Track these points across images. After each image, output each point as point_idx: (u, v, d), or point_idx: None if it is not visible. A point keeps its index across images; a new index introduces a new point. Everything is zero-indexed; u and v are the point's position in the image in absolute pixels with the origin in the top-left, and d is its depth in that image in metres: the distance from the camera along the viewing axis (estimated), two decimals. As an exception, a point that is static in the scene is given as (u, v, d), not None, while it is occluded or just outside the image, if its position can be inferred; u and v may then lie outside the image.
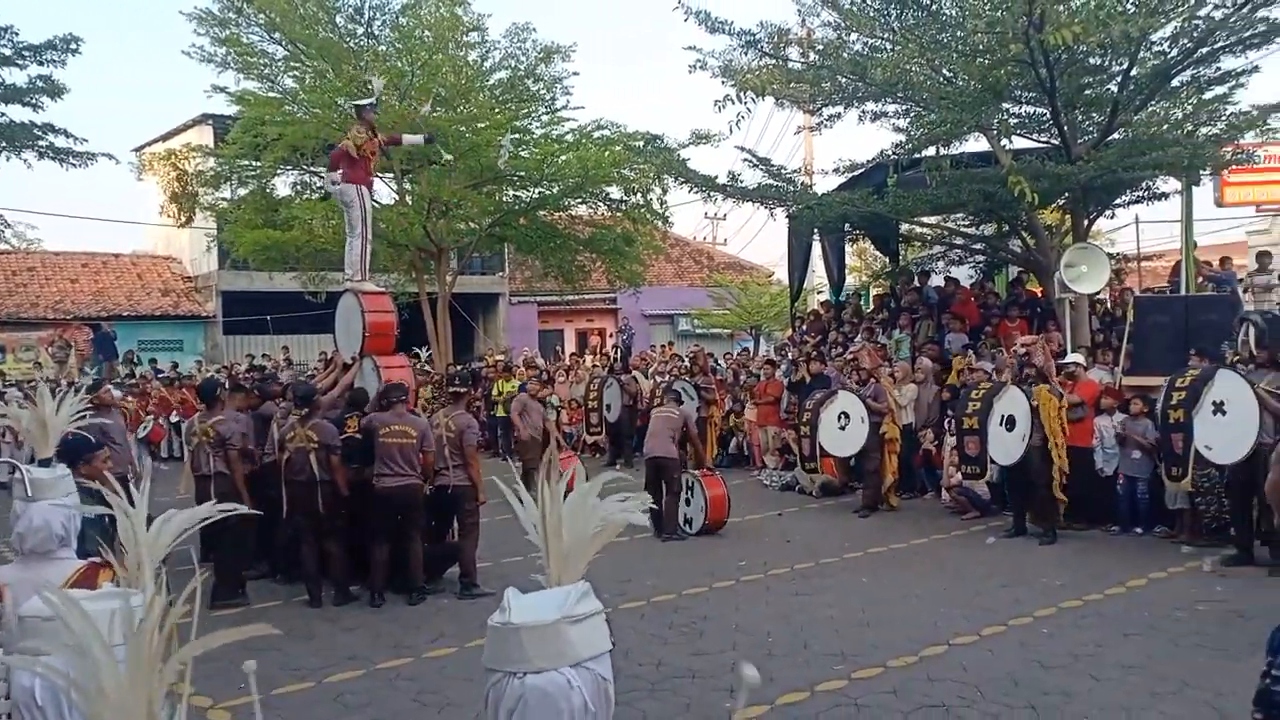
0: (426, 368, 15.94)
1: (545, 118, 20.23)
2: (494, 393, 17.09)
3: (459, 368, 16.56)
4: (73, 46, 18.78)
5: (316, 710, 5.69)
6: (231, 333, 26.22)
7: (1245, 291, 13.51)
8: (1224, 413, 8.20)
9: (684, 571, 8.71)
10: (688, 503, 10.48)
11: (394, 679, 6.15)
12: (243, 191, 21.18)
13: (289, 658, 6.57)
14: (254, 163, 19.83)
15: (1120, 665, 5.95)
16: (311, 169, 20.03)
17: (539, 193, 20.09)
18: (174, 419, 17.22)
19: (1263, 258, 14.47)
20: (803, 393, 13.12)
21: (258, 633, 1.42)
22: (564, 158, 19.12)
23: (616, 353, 19.08)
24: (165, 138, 25.70)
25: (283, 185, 21.49)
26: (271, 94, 19.12)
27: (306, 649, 6.81)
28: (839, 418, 11.50)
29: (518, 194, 20.59)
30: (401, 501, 7.90)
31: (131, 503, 1.88)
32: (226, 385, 9.81)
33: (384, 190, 19.02)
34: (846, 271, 21.87)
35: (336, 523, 7.98)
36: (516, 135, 18.98)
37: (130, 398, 14.97)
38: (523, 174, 19.33)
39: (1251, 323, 8.59)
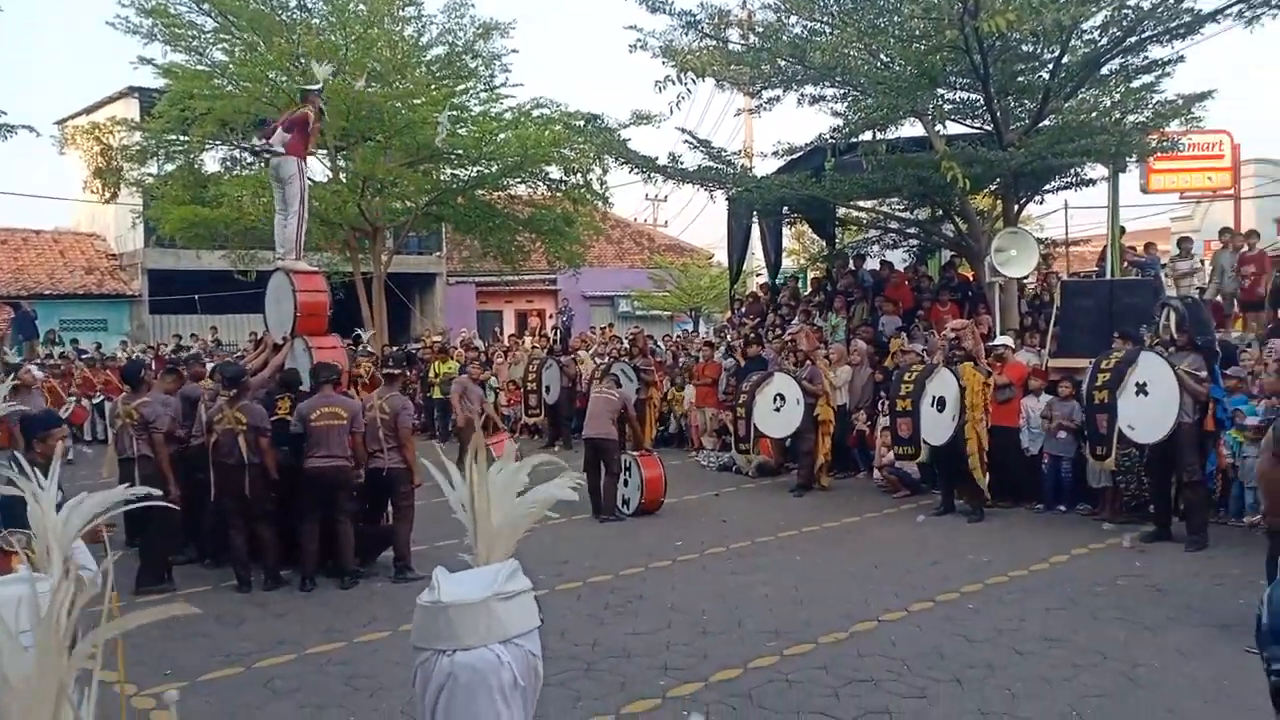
0: (368, 349, 15.69)
1: (484, 95, 20.02)
2: (430, 374, 16.94)
3: (394, 349, 16.37)
4: (-11, 12, 18.09)
5: (246, 695, 5.60)
6: (158, 312, 25.51)
7: (1167, 276, 13.93)
8: (1146, 394, 8.45)
9: (621, 552, 8.74)
10: (625, 484, 10.52)
11: (325, 664, 6.08)
12: (170, 167, 20.63)
13: (218, 643, 6.47)
14: (182, 137, 19.31)
15: (1043, 638, 6.13)
16: (242, 145, 19.54)
17: (477, 171, 19.89)
18: (97, 400, 16.76)
19: (1184, 243, 14.92)
20: (740, 375, 13.23)
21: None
22: (503, 136, 18.94)
23: (556, 334, 19.01)
24: (89, 110, 24.85)
25: (212, 161, 21.01)
26: (200, 67, 18.60)
27: (235, 634, 6.70)
28: (774, 399, 11.62)
29: (455, 172, 20.36)
30: (330, 483, 7.77)
31: (41, 485, 1.82)
32: (152, 366, 9.55)
33: (317, 167, 18.66)
34: (785, 254, 22.08)
35: (266, 506, 7.83)
36: (454, 113, 18.71)
37: (52, 378, 14.51)
38: (460, 152, 19.10)
39: (1172, 308, 8.86)
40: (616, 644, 6.25)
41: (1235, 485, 9.03)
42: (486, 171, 19.75)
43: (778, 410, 11.57)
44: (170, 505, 6.41)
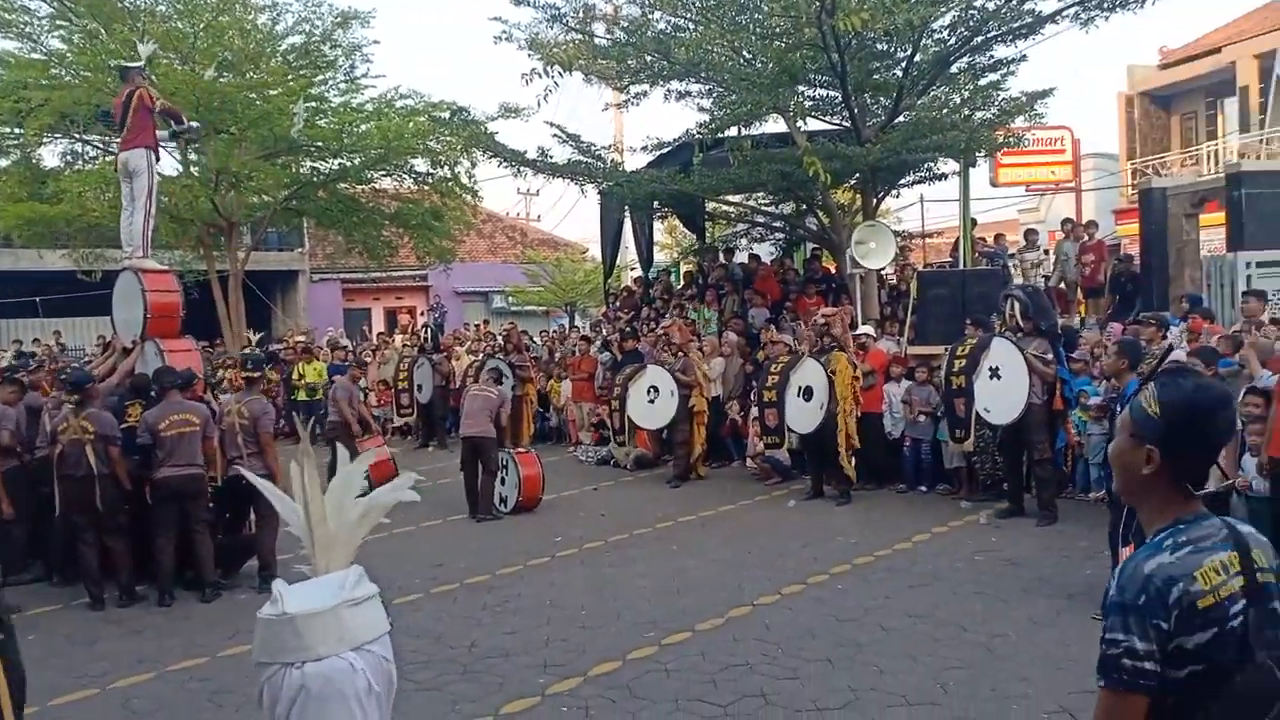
0: (256, 351, 14.91)
1: (343, 86, 19.44)
2: (294, 376, 16.36)
3: (254, 350, 15.73)
4: None
5: (102, 718, 5.31)
6: (-5, 316, 23.89)
7: (1015, 266, 14.70)
8: (999, 377, 8.89)
9: (498, 551, 8.65)
10: (502, 481, 10.42)
11: (187, 681, 5.81)
12: (4, 162, 19.23)
13: (70, 664, 6.12)
14: (16, 130, 18.03)
15: (906, 614, 6.38)
16: (83, 137, 18.43)
17: (339, 164, 19.29)
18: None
19: (1030, 234, 15.79)
20: (616, 369, 13.29)
21: None
22: (364, 127, 18.42)
23: (426, 331, 18.65)
24: (-91, 99, 22.94)
25: (50, 155, 19.69)
26: (35, 55, 17.42)
27: (89, 654, 6.34)
28: (648, 391, 11.71)
29: (315, 165, 19.70)
30: (184, 493, 7.44)
31: None
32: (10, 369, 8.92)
33: (167, 160, 17.75)
34: (657, 248, 22.30)
35: (119, 519, 7.41)
36: (313, 104, 18.11)
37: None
38: (320, 144, 18.48)
39: (1015, 297, 9.35)
40: (494, 644, 6.19)
41: (1080, 462, 9.60)
42: (348, 164, 19.17)
43: (652, 402, 11.68)
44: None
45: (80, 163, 18.94)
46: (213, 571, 7.58)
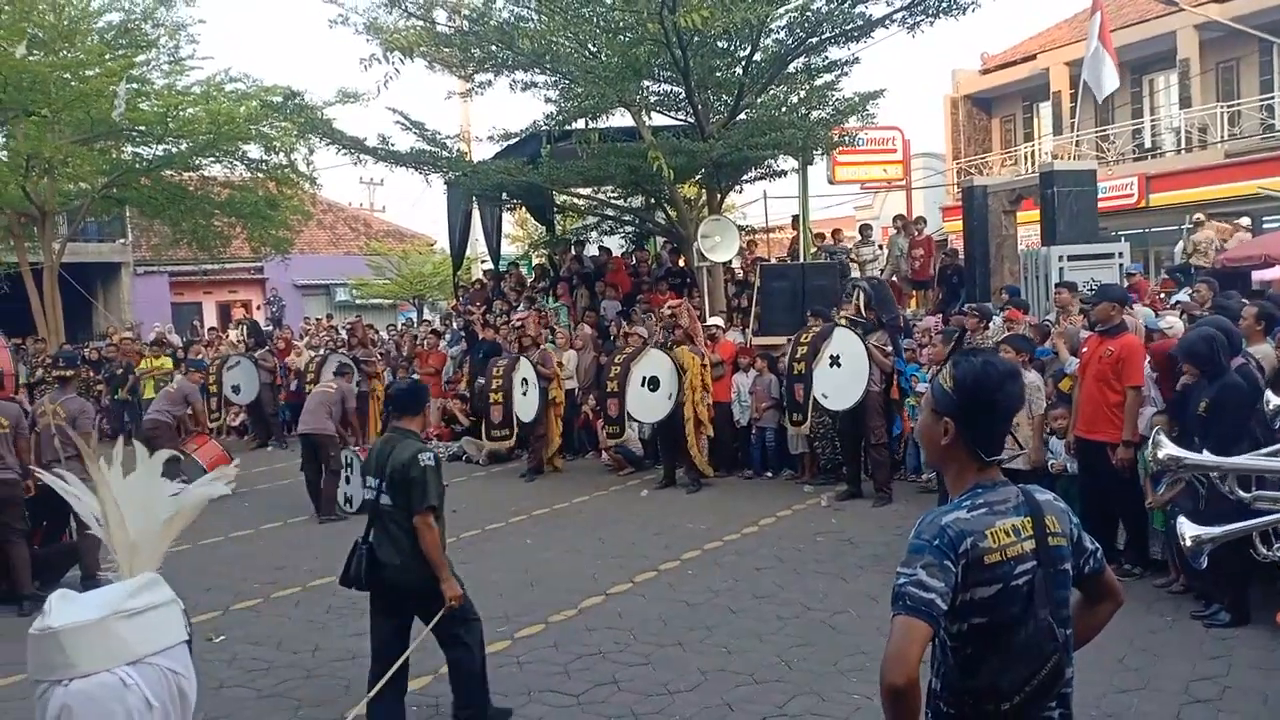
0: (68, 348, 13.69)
1: (167, 67, 18.38)
2: (140, 370, 15.21)
3: (71, 348, 14.64)
4: None
5: (-103, 752, 4.87)
6: None
7: (851, 260, 15.32)
8: (840, 365, 9.27)
9: (343, 552, 8.31)
10: (348, 480, 10.10)
11: (2, 701, 5.39)
12: None
13: None
14: None
15: (753, 596, 6.58)
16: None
17: (163, 150, 18.23)
18: None
19: (865, 230, 16.48)
20: (473, 360, 13.09)
21: None
22: (191, 111, 17.47)
23: (242, 329, 17.82)
24: None
25: None
26: None
27: (-117, 682, 5.79)
28: (521, 383, 11.59)
29: (138, 150, 18.56)
30: None
31: None
32: None
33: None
34: (508, 240, 22.08)
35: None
36: (134, 85, 17.04)
37: None
38: (143, 128, 17.42)
39: (861, 289, 9.76)
40: (340, 646, 6.01)
41: (913, 447, 10.12)
42: (174, 150, 18.15)
43: (525, 395, 11.56)
44: None
45: None
46: (30, 583, 7.06)
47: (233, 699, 5.27)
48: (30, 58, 16.01)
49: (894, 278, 14.78)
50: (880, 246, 16.22)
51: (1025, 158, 24.91)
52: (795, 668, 5.30)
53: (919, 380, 9.72)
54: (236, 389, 14.58)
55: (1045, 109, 25.03)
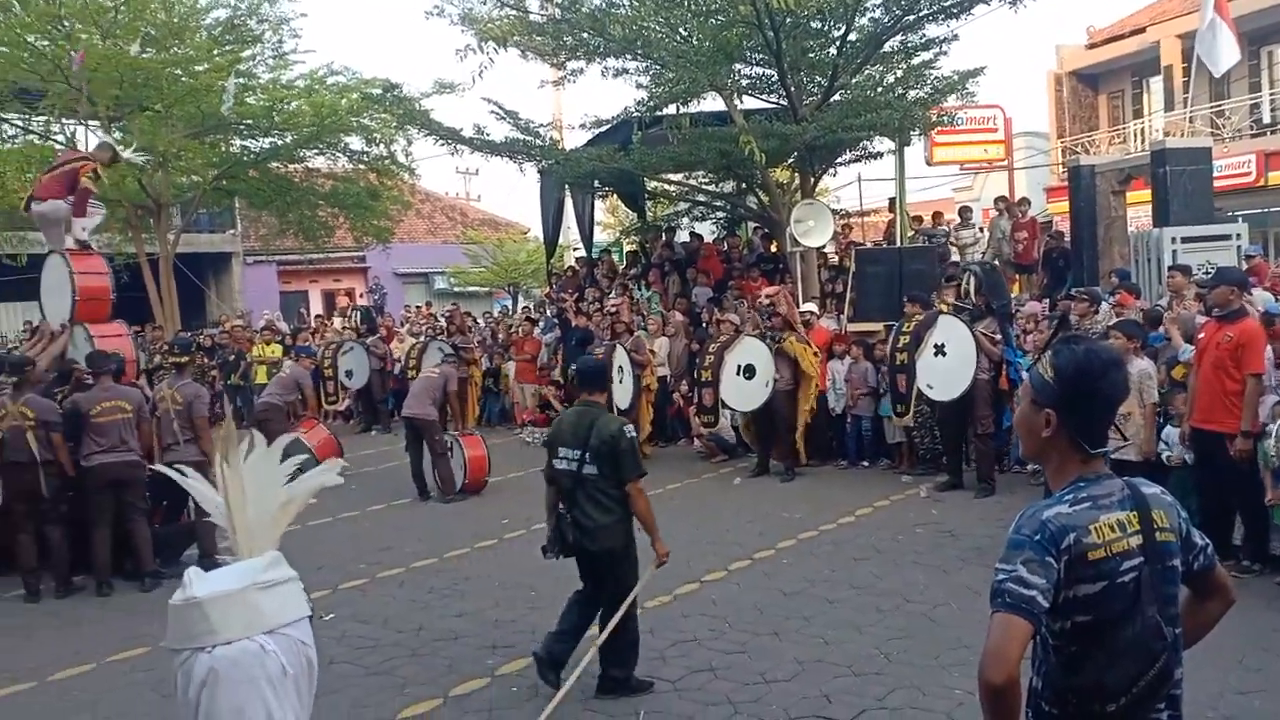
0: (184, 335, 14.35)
1: (272, 61, 18.95)
2: (252, 357, 15.87)
3: (187, 335, 15.30)
4: None
5: (41, 712, 5.19)
6: (-85, 302, 22.96)
7: (951, 244, 14.96)
8: (944, 354, 9.06)
9: (445, 534, 8.61)
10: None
11: (128, 672, 5.70)
12: (-83, 141, 18.45)
13: (6, 658, 5.98)
14: (-70, 108, 17.30)
15: (850, 587, 6.51)
16: (2, 115, 17.72)
17: (270, 143, 18.84)
18: None
19: (964, 213, 16.06)
20: (567, 344, 13.24)
21: None
22: (295, 105, 18.01)
23: (356, 315, 18.34)
24: None
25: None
26: (-53, 31, 16.68)
27: (26, 647, 6.20)
28: (617, 370, 11.67)
29: (245, 144, 19.20)
30: (120, 480, 7.29)
31: None
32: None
33: (91, 140, 17.18)
34: (599, 228, 22.21)
35: (60, 508, 7.26)
36: (241, 80, 17.64)
37: None
38: (250, 122, 18.02)
39: (972, 272, 9.52)
40: (443, 626, 6.18)
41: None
42: (280, 143, 18.74)
43: (620, 382, 11.64)
44: None
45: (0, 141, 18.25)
46: (152, 560, 7.43)
47: (341, 675, 5.45)
48: (144, 55, 16.72)
49: (996, 262, 14.39)
50: (981, 229, 15.80)
51: (1134, 135, 23.93)
52: (895, 660, 5.24)
53: (1023, 368, 9.46)
54: (349, 374, 15.09)
55: (1156, 84, 23.97)
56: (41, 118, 17.99)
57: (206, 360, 15.76)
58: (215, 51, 17.80)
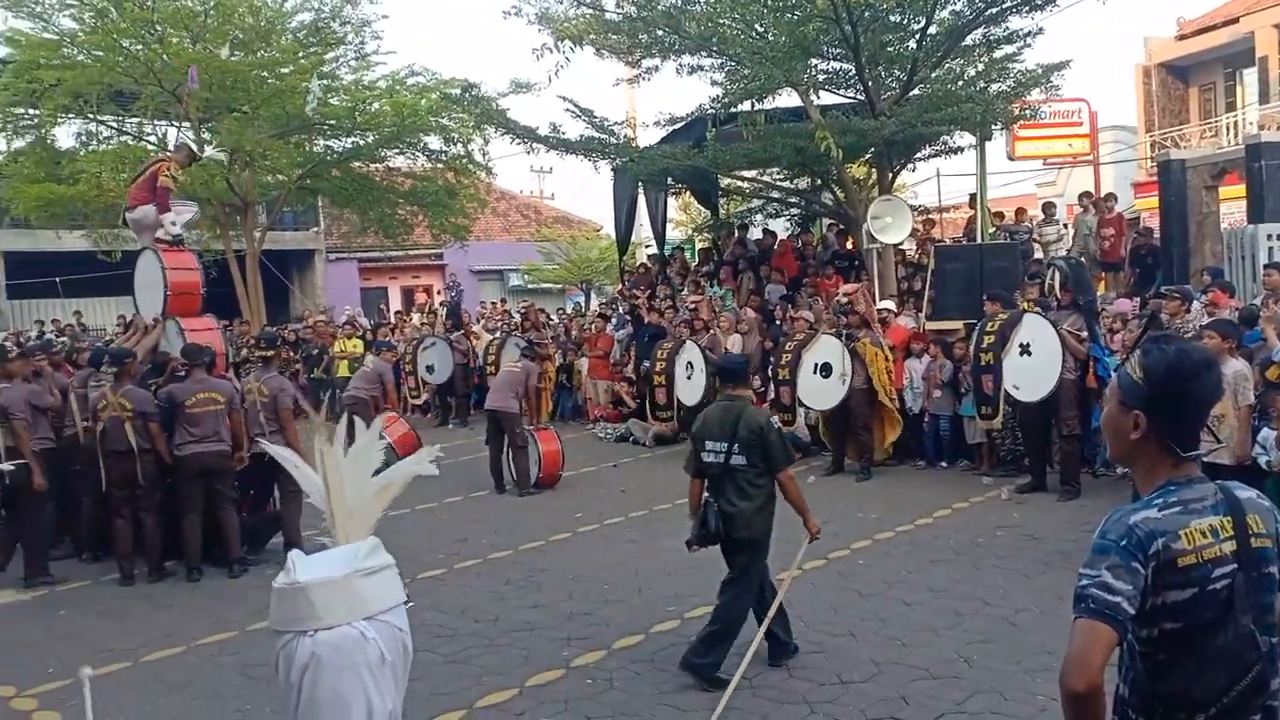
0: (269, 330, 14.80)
1: (354, 63, 19.42)
2: (335, 351, 16.27)
3: (273, 329, 15.75)
4: None
5: (135, 692, 5.40)
6: (17, 297, 24.01)
7: (1034, 241, 14.58)
8: (1030, 354, 8.82)
9: (521, 527, 8.71)
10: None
11: (217, 654, 5.89)
12: (20, 143, 19.31)
13: (102, 639, 6.23)
14: (30, 111, 18.09)
15: (928, 589, 6.40)
16: (98, 117, 18.46)
17: (352, 142, 19.31)
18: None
19: (1048, 208, 15.64)
20: (639, 342, 13.28)
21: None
22: (376, 105, 18.41)
23: (444, 310, 18.68)
24: (-76, 82, 23.00)
25: (66, 136, 19.76)
26: (46, 35, 17.43)
27: (120, 629, 6.44)
28: (686, 367, 11.71)
29: (329, 143, 19.71)
30: (211, 469, 7.54)
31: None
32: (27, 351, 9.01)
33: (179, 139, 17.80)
34: (671, 225, 22.19)
35: (155, 495, 7.54)
36: (324, 81, 18.09)
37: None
38: (333, 122, 18.50)
39: (1057, 268, 9.27)
40: (519, 618, 6.25)
41: (1106, 436, 9.55)
42: (362, 142, 19.20)
43: (689, 378, 11.68)
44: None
45: (95, 143, 18.98)
46: (239, 548, 7.66)
47: (420, 663, 5.50)
48: (232, 58, 17.27)
49: (1081, 259, 14.00)
50: (1065, 226, 15.37)
51: (1226, 129, 23.06)
52: (975, 665, 5.13)
53: (1113, 368, 9.19)
54: (431, 368, 15.36)
55: (1250, 76, 23.08)
56: (135, 119, 18.70)
57: (291, 354, 16.21)
58: (300, 54, 18.30)
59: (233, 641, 6.09)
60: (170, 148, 9.78)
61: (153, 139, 18.73)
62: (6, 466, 7.25)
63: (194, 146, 10.81)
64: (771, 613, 5.07)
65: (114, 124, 18.93)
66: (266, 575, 7.42)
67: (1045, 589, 6.26)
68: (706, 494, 5.23)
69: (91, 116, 18.48)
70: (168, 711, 5.14)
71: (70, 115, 18.49)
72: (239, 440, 7.73)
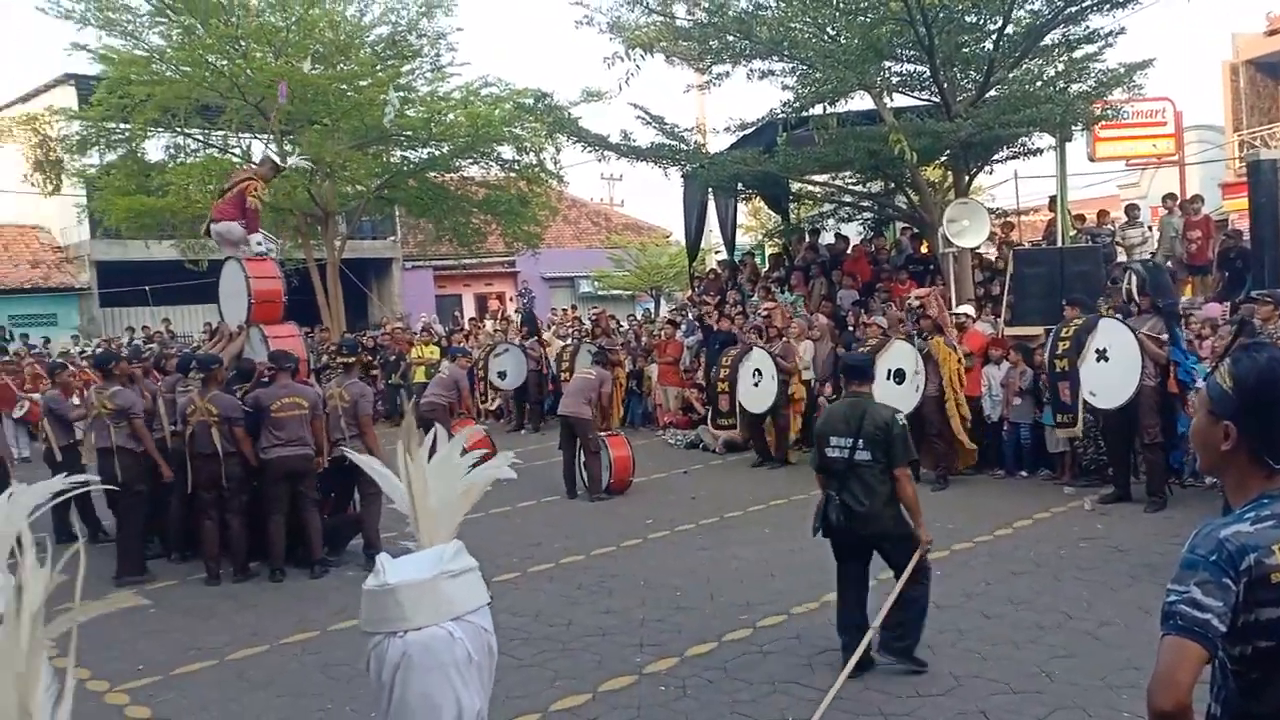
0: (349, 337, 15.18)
1: (430, 75, 19.78)
2: (413, 358, 16.59)
3: (353, 336, 16.09)
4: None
5: (220, 689, 5.56)
6: (109, 305, 25.01)
7: (1117, 244, 14.16)
8: (1107, 359, 8.58)
9: (592, 532, 8.76)
10: (594, 464, 10.51)
11: (300, 654, 6.04)
12: (111, 156, 20.12)
13: (189, 637, 6.43)
14: (122, 125, 18.83)
15: (1008, 601, 6.26)
16: (185, 131, 19.13)
17: (428, 153, 19.68)
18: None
19: (1131, 210, 15.17)
20: (709, 349, 13.23)
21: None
22: (451, 116, 18.74)
23: (520, 316, 18.89)
24: (25, 99, 24.13)
25: (154, 149, 20.51)
26: (138, 52, 18.14)
27: (206, 627, 6.65)
28: (753, 374, 11.65)
29: (405, 154, 20.13)
30: (295, 472, 7.74)
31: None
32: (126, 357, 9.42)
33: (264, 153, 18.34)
34: (741, 231, 22.11)
35: (242, 497, 7.79)
36: (401, 93, 18.47)
37: (4, 375, 14.17)
38: (410, 133, 18.89)
39: (1134, 271, 9.02)
40: (592, 623, 6.28)
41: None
42: (437, 153, 19.54)
43: (756, 385, 11.61)
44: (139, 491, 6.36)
45: (182, 155, 19.66)
46: (321, 549, 7.85)
47: (495, 666, 5.61)
48: (312, 72, 17.73)
49: (1167, 262, 13.57)
50: (1150, 228, 14.88)
51: (1322, 126, 22.11)
52: (1057, 679, 5.00)
53: (1199, 375, 8.88)
54: (502, 375, 15.54)
55: (1348, 70, 22.11)
56: (220, 132, 19.34)
57: (370, 360, 16.55)
58: (378, 67, 18.71)
59: (315, 641, 6.24)
60: (255, 160, 10.11)
61: (237, 151, 19.32)
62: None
63: (276, 159, 11.11)
64: (882, 614, 5.06)
65: (200, 137, 19.59)
66: (347, 576, 7.65)
67: (1130, 602, 6.07)
68: (830, 488, 5.26)
69: (179, 130, 19.16)
70: (251, 709, 5.29)
71: (159, 129, 19.22)
72: (320, 444, 7.92)
